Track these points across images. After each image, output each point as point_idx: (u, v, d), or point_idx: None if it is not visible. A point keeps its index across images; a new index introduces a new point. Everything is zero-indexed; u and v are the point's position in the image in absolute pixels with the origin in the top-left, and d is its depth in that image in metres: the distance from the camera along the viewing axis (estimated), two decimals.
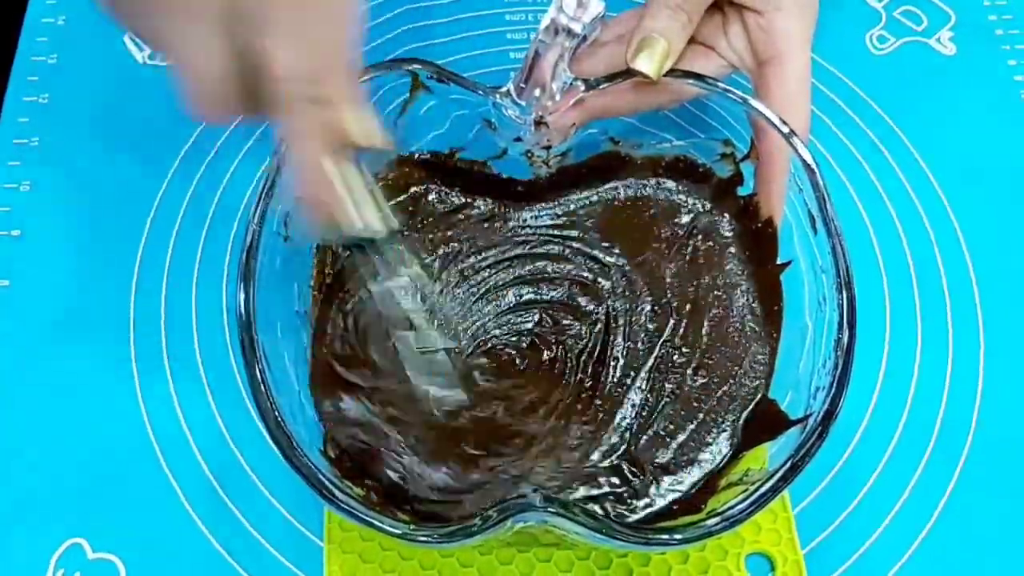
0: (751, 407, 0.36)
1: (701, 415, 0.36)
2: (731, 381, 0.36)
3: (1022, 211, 0.44)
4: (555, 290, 0.39)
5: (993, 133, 0.47)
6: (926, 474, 0.38)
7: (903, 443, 0.38)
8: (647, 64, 0.35)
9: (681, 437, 0.35)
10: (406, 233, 0.33)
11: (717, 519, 0.28)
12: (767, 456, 0.33)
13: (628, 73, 0.36)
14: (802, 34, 0.37)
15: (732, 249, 0.39)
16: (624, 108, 0.38)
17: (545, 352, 0.37)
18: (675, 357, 0.37)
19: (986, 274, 0.42)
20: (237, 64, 0.26)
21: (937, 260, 0.43)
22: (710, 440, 0.35)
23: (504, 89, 0.35)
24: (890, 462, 0.38)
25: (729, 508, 0.28)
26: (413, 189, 0.40)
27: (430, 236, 0.39)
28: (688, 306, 0.38)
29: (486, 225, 0.40)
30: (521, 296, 0.39)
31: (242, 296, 0.30)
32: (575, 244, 0.39)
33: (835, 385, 0.29)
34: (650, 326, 0.38)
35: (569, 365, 0.37)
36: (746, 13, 0.37)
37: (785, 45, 0.37)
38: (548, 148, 0.38)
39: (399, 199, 0.39)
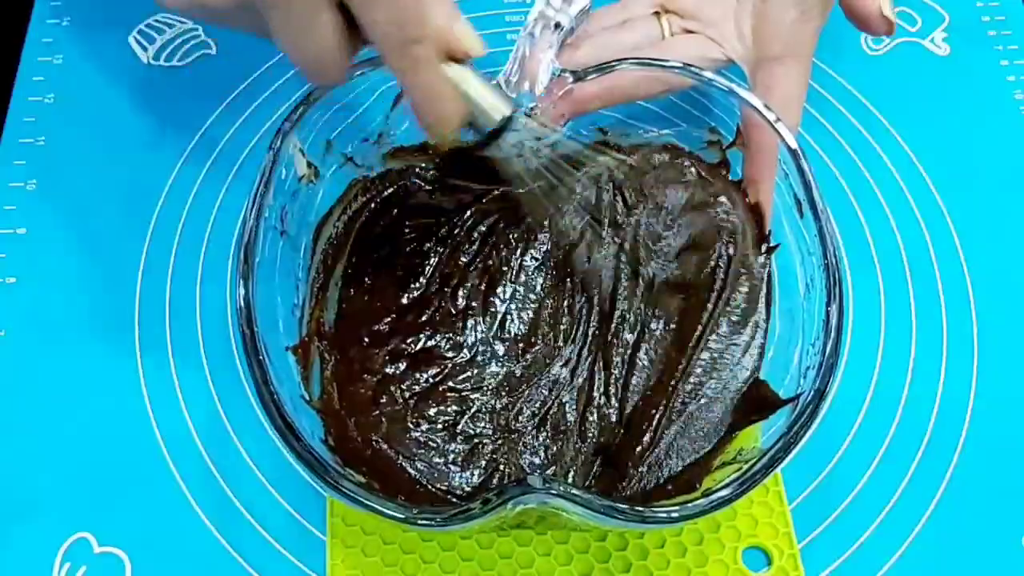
0: (743, 388, 0.36)
1: (695, 396, 0.36)
2: (723, 362, 0.37)
3: (1014, 208, 0.45)
4: (547, 270, 0.39)
5: (986, 132, 0.47)
6: (921, 469, 0.38)
7: (898, 438, 0.39)
8: (890, 7, 0.36)
9: (676, 417, 0.36)
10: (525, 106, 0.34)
11: (712, 497, 0.28)
12: (759, 435, 0.33)
13: (615, 64, 0.36)
14: (811, 38, 0.38)
15: (721, 234, 0.39)
16: (620, 97, 0.38)
17: (541, 330, 0.38)
18: (667, 339, 0.37)
19: (980, 272, 0.43)
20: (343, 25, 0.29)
21: (932, 258, 0.43)
22: (704, 421, 0.36)
23: (494, 82, 0.36)
24: (886, 457, 0.38)
25: (723, 486, 0.28)
26: (403, 182, 0.40)
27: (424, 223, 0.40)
28: (680, 290, 0.38)
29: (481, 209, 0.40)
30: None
31: (241, 290, 0.30)
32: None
33: (824, 364, 0.30)
34: (642, 310, 0.38)
35: (564, 343, 0.38)
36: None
37: (794, 44, 0.37)
38: (539, 139, 0.38)
39: (389, 191, 0.40)
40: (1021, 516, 0.37)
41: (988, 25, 0.50)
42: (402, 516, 0.28)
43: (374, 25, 0.29)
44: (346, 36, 0.29)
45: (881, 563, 0.36)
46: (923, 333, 0.41)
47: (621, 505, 0.28)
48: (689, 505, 0.28)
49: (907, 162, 0.46)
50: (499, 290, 0.39)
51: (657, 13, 0.40)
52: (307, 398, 0.33)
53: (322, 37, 0.29)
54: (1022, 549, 0.37)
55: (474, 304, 0.39)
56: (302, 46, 0.29)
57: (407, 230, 0.40)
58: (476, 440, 0.36)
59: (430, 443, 0.36)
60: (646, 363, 0.37)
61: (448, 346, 0.38)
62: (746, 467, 0.29)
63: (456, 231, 0.40)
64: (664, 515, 0.28)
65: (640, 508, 0.28)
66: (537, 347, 0.38)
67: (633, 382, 0.37)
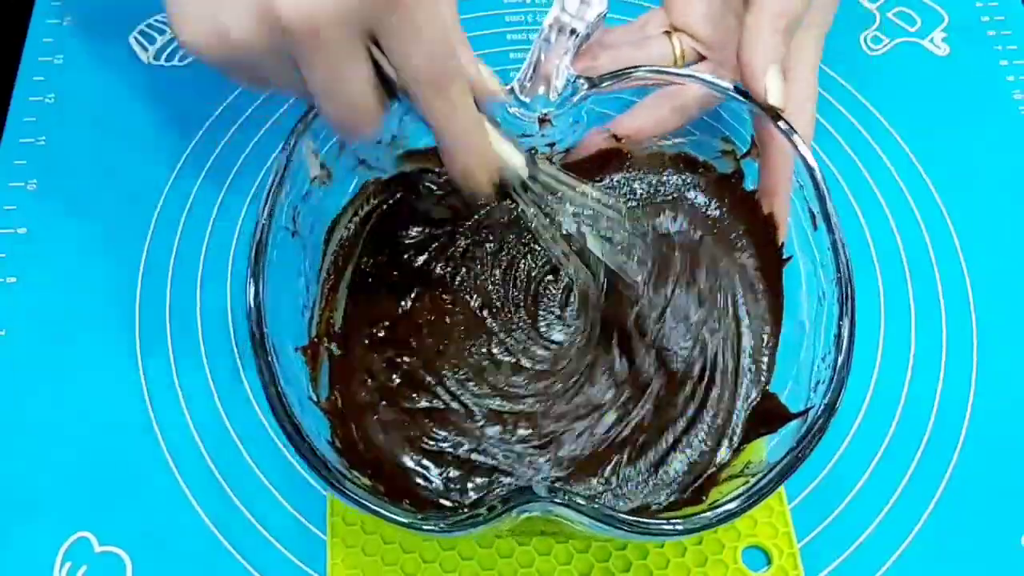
0: (753, 401, 0.36)
1: (704, 408, 0.36)
2: (732, 374, 0.37)
3: (1013, 208, 0.45)
4: (553, 284, 0.39)
5: (985, 132, 0.47)
6: (921, 468, 0.38)
7: (898, 438, 0.39)
8: (778, 98, 0.35)
9: (684, 430, 0.36)
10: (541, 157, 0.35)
11: (718, 510, 0.28)
12: (766, 448, 0.33)
13: (631, 72, 0.36)
14: (812, 48, 0.38)
15: (734, 244, 0.39)
16: (666, 128, 0.39)
17: (545, 342, 0.38)
18: (678, 351, 0.37)
19: (979, 271, 0.43)
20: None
21: (931, 258, 0.43)
22: (712, 433, 0.36)
23: (508, 87, 0.36)
24: (885, 456, 0.38)
25: (730, 500, 0.28)
26: (416, 185, 0.40)
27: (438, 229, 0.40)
28: (692, 301, 0.38)
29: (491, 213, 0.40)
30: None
31: (252, 290, 0.30)
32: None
33: (835, 379, 0.30)
34: (652, 321, 0.38)
35: (571, 357, 0.38)
36: None
37: (795, 55, 0.37)
38: (552, 145, 0.39)
39: (402, 194, 0.40)
40: (1020, 515, 0.38)
41: (987, 25, 0.50)
42: (407, 521, 0.28)
43: (409, 66, 0.28)
44: (379, 87, 0.29)
45: (881, 562, 0.37)
46: (922, 333, 0.41)
47: (625, 515, 0.28)
48: (694, 518, 0.28)
49: (906, 162, 0.46)
50: (503, 298, 0.39)
51: (668, 32, 0.40)
52: (315, 399, 0.34)
53: (356, 85, 0.28)
54: (1021, 548, 0.37)
55: (481, 311, 0.39)
56: (335, 95, 0.28)
57: (418, 233, 0.40)
58: (478, 449, 0.36)
59: (432, 449, 0.36)
60: (652, 373, 0.37)
61: (454, 352, 0.38)
62: (753, 480, 0.29)
63: (465, 236, 0.40)
64: (669, 528, 0.28)
65: (645, 520, 0.28)
66: (542, 359, 0.38)
67: (639, 393, 0.37)
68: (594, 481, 0.35)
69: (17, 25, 0.49)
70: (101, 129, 0.46)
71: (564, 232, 0.36)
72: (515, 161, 0.32)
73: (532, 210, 0.35)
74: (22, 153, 0.45)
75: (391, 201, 0.39)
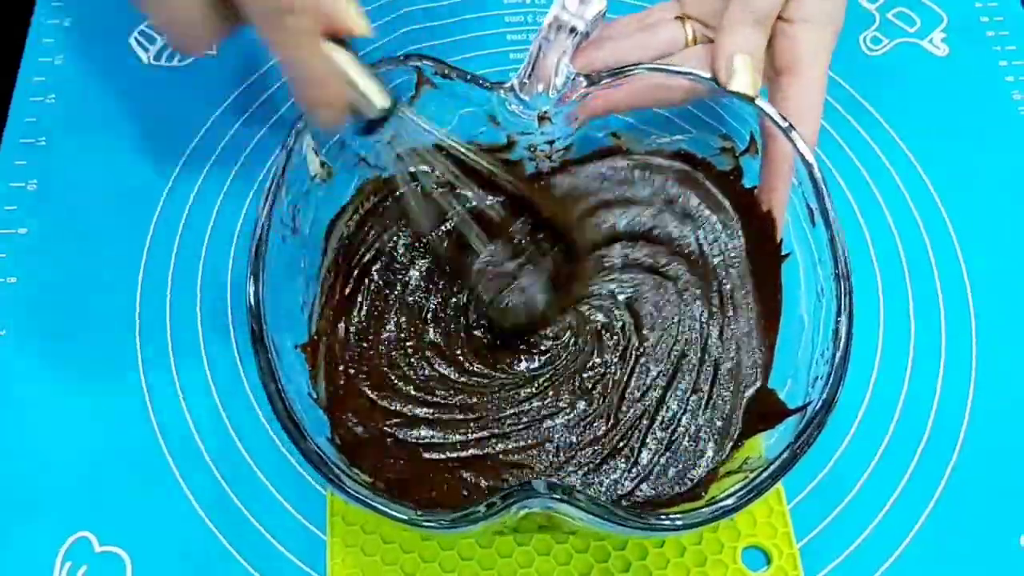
0: (752, 396, 0.36)
1: (703, 404, 0.36)
2: (731, 371, 0.37)
3: (1012, 208, 0.45)
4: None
5: (985, 132, 0.47)
6: (920, 468, 0.38)
7: (897, 438, 0.39)
8: (744, 85, 0.35)
9: (683, 426, 0.36)
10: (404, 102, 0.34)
11: (716, 505, 0.28)
12: (764, 444, 0.33)
13: (631, 69, 0.36)
14: (824, 48, 0.38)
15: (733, 242, 0.39)
16: (642, 103, 0.39)
17: (550, 338, 0.38)
18: (675, 349, 0.37)
19: (978, 272, 0.43)
20: None
21: (930, 258, 0.43)
22: (711, 429, 0.36)
23: (508, 85, 0.36)
24: (884, 456, 0.39)
25: (729, 495, 0.28)
26: (416, 183, 0.40)
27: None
28: (689, 298, 0.38)
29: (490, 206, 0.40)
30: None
31: (252, 288, 0.30)
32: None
33: (833, 374, 0.30)
34: (650, 319, 0.38)
35: (572, 353, 0.38)
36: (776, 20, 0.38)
37: (806, 55, 0.37)
38: (552, 143, 0.39)
39: (402, 192, 0.40)
40: (1019, 515, 0.38)
41: (987, 26, 0.50)
42: (407, 518, 0.28)
43: None
44: (216, 6, 0.28)
45: (880, 562, 0.37)
46: (922, 332, 0.41)
47: (624, 511, 0.28)
48: (693, 513, 0.28)
49: (905, 162, 0.46)
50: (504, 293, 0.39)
51: (680, 18, 0.40)
52: (314, 396, 0.34)
53: (183, 4, 0.27)
54: (1020, 549, 0.37)
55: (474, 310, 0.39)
56: (161, 8, 0.28)
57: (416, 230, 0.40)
58: (476, 449, 0.36)
59: (429, 449, 0.36)
60: (653, 369, 0.37)
61: (450, 351, 0.38)
62: (752, 476, 0.29)
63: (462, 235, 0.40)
64: (668, 523, 0.28)
65: (644, 515, 0.28)
66: (537, 356, 0.38)
67: (643, 390, 0.37)
68: (592, 478, 0.35)
69: (18, 25, 0.49)
70: (101, 129, 0.46)
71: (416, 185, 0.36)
72: (374, 100, 0.31)
73: (389, 154, 0.34)
74: (22, 153, 0.45)
75: (391, 199, 0.39)
